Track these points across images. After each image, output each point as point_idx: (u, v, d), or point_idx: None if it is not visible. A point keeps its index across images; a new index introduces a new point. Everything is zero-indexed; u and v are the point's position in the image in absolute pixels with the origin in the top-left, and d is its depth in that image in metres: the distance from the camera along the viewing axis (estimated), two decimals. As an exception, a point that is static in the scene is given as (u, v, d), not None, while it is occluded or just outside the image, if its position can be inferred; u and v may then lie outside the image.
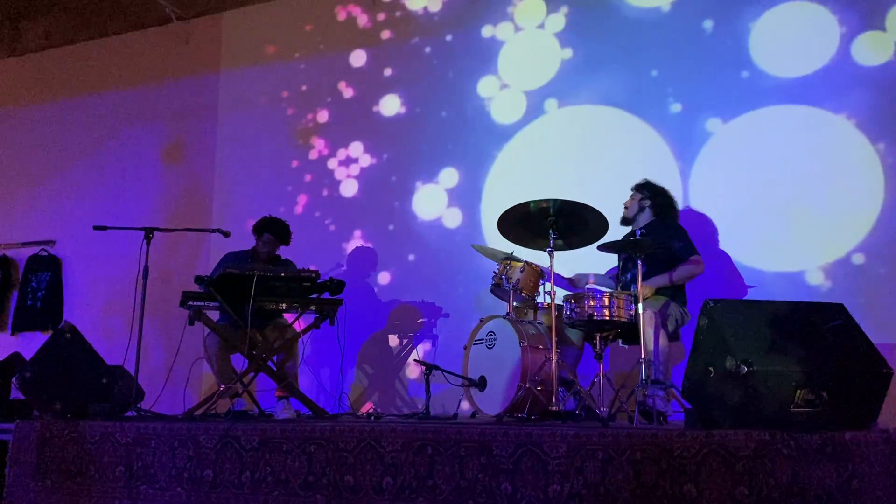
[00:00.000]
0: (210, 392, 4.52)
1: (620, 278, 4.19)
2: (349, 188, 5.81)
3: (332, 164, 5.89)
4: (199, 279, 4.05)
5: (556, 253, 3.74)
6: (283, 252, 4.96)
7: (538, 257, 4.10)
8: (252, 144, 6.17)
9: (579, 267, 4.46)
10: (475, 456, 2.78)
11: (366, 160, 5.80)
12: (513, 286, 4.01)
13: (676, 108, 4.97)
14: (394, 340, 5.41)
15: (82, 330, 3.93)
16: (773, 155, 4.65)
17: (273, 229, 4.75)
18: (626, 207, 4.31)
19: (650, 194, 4.24)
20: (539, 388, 3.61)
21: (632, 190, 4.32)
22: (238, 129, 6.25)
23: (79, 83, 6.94)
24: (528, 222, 3.88)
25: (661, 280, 3.97)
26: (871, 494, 2.43)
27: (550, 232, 3.72)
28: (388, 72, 5.85)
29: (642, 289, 3.60)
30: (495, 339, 3.91)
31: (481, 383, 3.88)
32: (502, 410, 3.64)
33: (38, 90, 7.13)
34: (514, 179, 5.24)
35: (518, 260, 4.09)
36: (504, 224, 3.96)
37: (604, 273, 4.42)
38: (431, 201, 5.53)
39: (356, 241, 5.68)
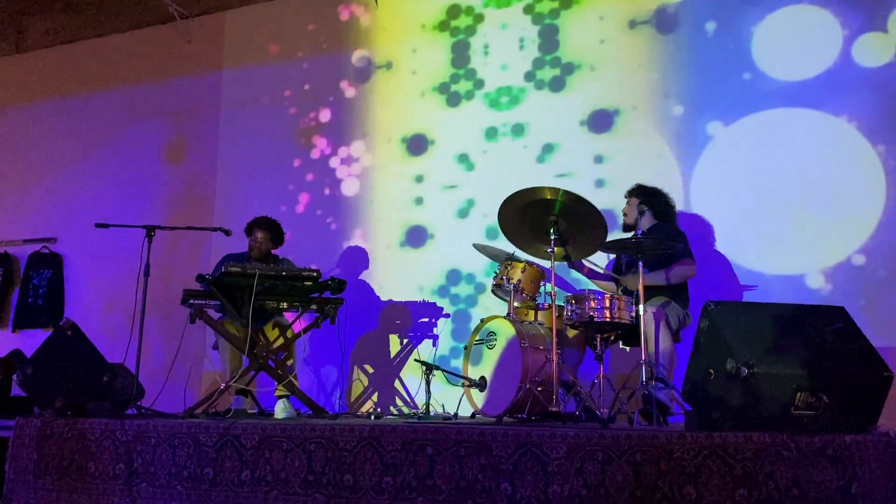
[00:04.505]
0: (210, 390, 4.53)
1: (622, 281, 4.18)
2: (351, 187, 5.81)
3: (333, 162, 5.90)
4: (200, 277, 4.05)
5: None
6: (283, 250, 4.97)
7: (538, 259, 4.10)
8: (254, 143, 6.17)
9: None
10: (475, 456, 2.78)
11: (367, 159, 5.81)
12: (514, 286, 4.01)
13: (678, 110, 4.96)
14: (394, 340, 5.41)
15: (83, 327, 3.93)
16: (774, 157, 4.65)
17: (263, 226, 4.77)
18: (624, 214, 4.30)
19: (646, 198, 4.22)
20: (539, 388, 3.62)
21: (626, 196, 4.31)
22: (240, 127, 6.25)
23: (81, 81, 6.95)
24: (529, 215, 3.81)
25: (658, 277, 3.97)
26: (871, 497, 2.43)
27: (551, 232, 3.72)
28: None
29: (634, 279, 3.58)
30: (496, 340, 3.91)
31: (481, 383, 3.88)
32: (502, 411, 3.64)
33: (41, 87, 7.14)
34: (513, 180, 5.22)
35: (519, 260, 4.09)
36: (505, 213, 3.86)
37: (603, 266, 4.39)
38: (432, 201, 5.53)
39: (357, 241, 5.68)
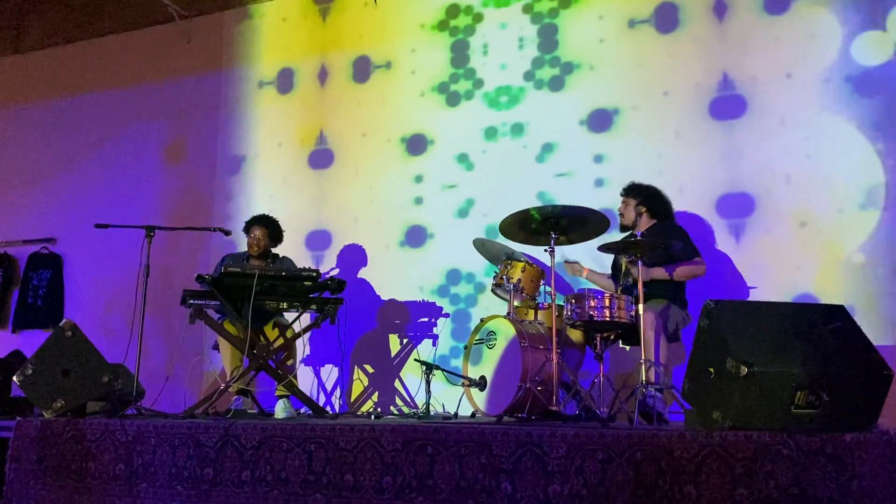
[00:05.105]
0: (210, 390, 4.53)
1: (622, 280, 4.18)
2: (350, 187, 5.80)
3: (333, 162, 5.89)
4: (200, 278, 4.06)
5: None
6: (283, 250, 4.97)
7: (538, 252, 4.11)
8: (253, 143, 6.17)
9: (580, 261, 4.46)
10: (475, 455, 2.78)
11: (367, 159, 5.79)
12: (514, 286, 4.01)
13: (677, 109, 4.96)
14: (394, 340, 5.41)
15: (83, 328, 3.93)
16: (774, 157, 4.65)
17: (261, 223, 4.78)
18: (621, 214, 4.29)
19: (643, 197, 4.21)
20: (539, 388, 3.62)
21: (622, 196, 4.31)
22: (240, 127, 6.25)
23: (80, 81, 6.95)
24: (530, 226, 3.91)
25: (661, 272, 3.97)
26: (871, 496, 2.43)
27: (552, 232, 3.74)
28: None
29: (641, 272, 3.60)
30: (495, 339, 3.91)
31: (481, 383, 3.88)
32: (502, 410, 3.64)
33: (40, 88, 7.14)
34: (513, 179, 5.23)
35: (519, 259, 4.09)
36: (505, 231, 4.02)
37: (600, 272, 4.43)
38: (432, 200, 5.53)
39: (357, 240, 5.67)
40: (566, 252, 4.56)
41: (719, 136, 4.83)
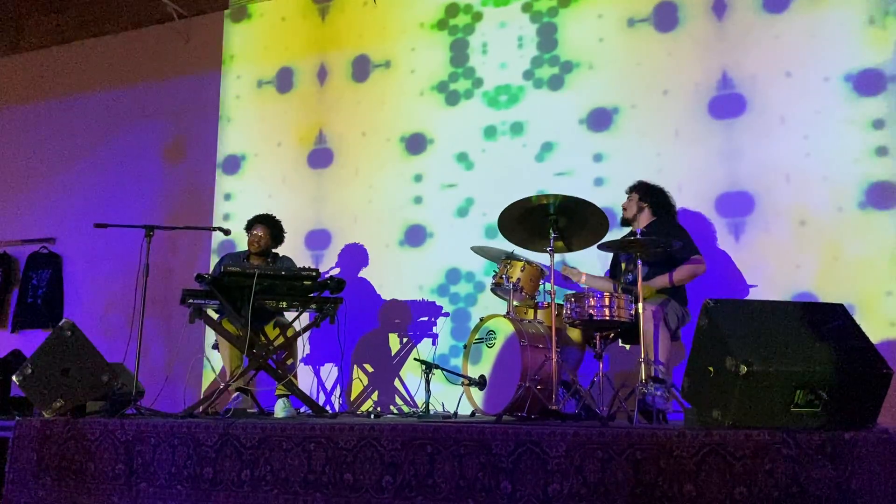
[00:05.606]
0: (210, 390, 4.53)
1: (621, 279, 4.19)
2: (350, 187, 5.80)
3: (333, 162, 5.89)
4: (199, 277, 4.06)
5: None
6: (283, 250, 4.97)
7: (538, 258, 4.10)
8: (252, 143, 6.17)
9: (579, 264, 4.46)
10: (475, 455, 2.78)
11: (366, 158, 5.79)
12: (513, 285, 4.01)
13: (677, 108, 4.96)
14: (394, 339, 5.41)
15: (83, 327, 3.93)
16: (774, 156, 4.65)
17: (263, 222, 4.78)
18: (624, 209, 4.34)
19: (647, 195, 4.26)
20: (539, 387, 3.61)
21: (627, 192, 4.35)
22: (239, 127, 6.25)
23: (80, 81, 6.95)
24: (529, 220, 3.88)
25: (662, 280, 3.98)
26: (871, 494, 2.43)
27: (551, 231, 3.73)
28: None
29: (643, 288, 3.61)
30: (495, 338, 3.91)
31: (481, 382, 3.88)
32: (502, 409, 3.63)
33: (40, 88, 7.14)
34: (512, 178, 5.23)
35: (518, 259, 4.09)
36: (505, 221, 3.95)
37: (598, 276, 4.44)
38: (431, 200, 5.53)
39: (357, 240, 5.68)
40: (566, 258, 4.56)
41: (719, 134, 4.83)
